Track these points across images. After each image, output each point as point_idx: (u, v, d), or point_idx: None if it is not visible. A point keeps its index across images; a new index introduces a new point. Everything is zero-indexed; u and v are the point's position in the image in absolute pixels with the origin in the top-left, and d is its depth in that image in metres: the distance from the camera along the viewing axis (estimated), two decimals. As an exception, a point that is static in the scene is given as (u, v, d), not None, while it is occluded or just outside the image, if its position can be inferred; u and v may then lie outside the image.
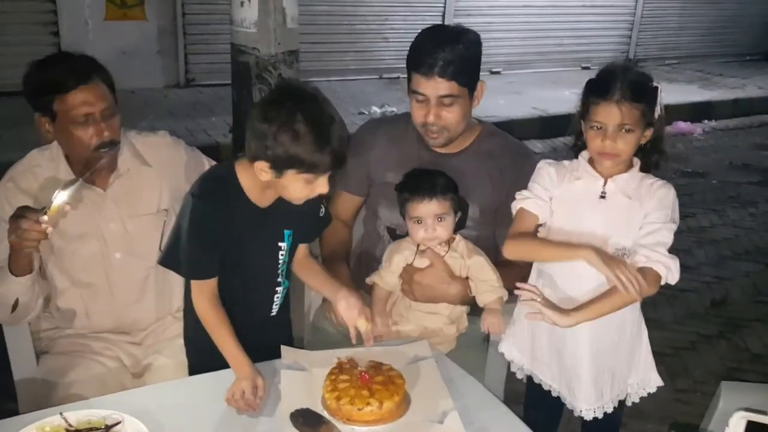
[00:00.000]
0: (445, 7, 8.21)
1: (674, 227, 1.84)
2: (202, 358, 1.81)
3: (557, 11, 8.91)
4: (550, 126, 6.86)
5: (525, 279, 2.16)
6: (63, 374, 1.90)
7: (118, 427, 1.46)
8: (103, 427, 1.45)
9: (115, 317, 2.02)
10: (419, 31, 2.07)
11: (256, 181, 1.69)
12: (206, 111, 6.14)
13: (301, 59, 6.80)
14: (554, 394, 2.00)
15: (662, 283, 1.82)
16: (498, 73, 8.53)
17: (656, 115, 1.80)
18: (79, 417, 1.48)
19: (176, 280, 2.07)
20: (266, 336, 1.86)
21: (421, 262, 1.99)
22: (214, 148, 5.29)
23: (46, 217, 1.64)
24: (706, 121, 7.78)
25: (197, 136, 5.56)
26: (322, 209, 1.94)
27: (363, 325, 1.85)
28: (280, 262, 1.86)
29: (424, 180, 1.97)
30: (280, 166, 1.61)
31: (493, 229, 2.14)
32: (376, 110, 6.56)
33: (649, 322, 3.59)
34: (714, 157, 6.65)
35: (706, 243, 4.69)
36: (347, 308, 1.86)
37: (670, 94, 8.25)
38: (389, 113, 6.33)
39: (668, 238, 1.81)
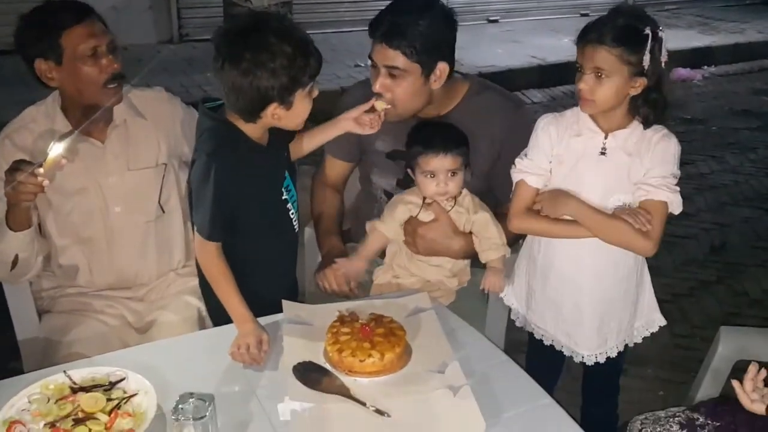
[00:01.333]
0: (440, -46, 8.04)
1: (675, 181, 1.81)
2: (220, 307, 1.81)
3: (554, -43, 8.74)
4: (549, 75, 6.78)
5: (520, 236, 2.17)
6: (65, 333, 1.92)
7: (122, 383, 1.47)
8: (107, 383, 1.47)
9: (116, 272, 2.03)
10: None
11: (254, 127, 1.74)
12: (201, 66, 6.05)
13: (294, 11, 6.70)
14: (547, 342, 2.01)
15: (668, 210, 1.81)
16: (495, 21, 8.38)
17: (645, 64, 1.71)
18: (83, 374, 1.49)
19: (176, 235, 2.07)
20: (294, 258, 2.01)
21: (426, 216, 1.98)
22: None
23: (41, 170, 1.64)
24: (705, 66, 7.68)
25: (192, 92, 5.50)
26: None
27: (381, 105, 1.93)
28: (284, 183, 1.90)
29: (437, 133, 1.93)
30: (287, 96, 1.66)
31: (488, 184, 2.12)
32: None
33: (649, 269, 3.62)
34: (714, 103, 6.58)
35: (706, 189, 4.68)
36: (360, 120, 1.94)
37: (670, 39, 8.12)
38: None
39: (666, 197, 1.79)
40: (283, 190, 1.89)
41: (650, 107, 1.78)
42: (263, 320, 1.71)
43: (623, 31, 1.71)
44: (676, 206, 1.80)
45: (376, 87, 1.95)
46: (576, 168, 1.84)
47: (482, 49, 7.02)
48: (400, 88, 1.93)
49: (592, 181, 1.82)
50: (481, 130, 2.05)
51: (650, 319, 2.04)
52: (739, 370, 1.91)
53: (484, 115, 2.08)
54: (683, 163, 5.09)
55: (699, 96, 6.83)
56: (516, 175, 1.90)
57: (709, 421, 1.64)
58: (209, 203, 1.69)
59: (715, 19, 9.25)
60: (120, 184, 1.98)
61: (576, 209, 1.81)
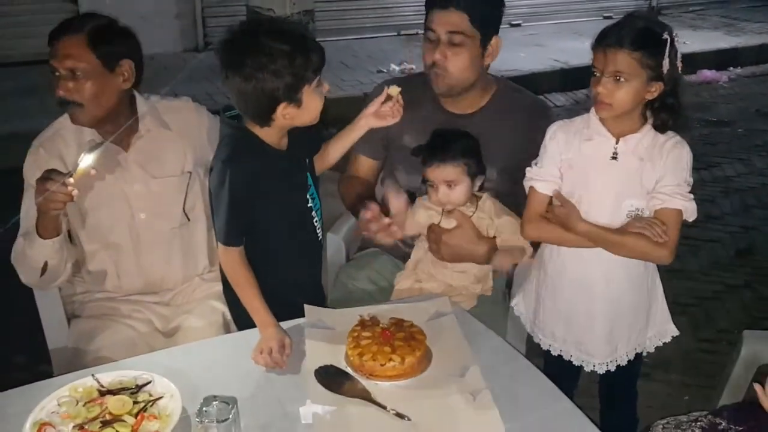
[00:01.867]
0: (462, -41, 8.06)
1: (688, 189, 1.81)
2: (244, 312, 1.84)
3: (578, -41, 8.71)
4: (572, 78, 6.75)
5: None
6: (93, 338, 1.95)
7: (148, 386, 1.50)
8: (134, 386, 1.50)
9: (143, 277, 2.07)
10: None
11: (271, 131, 1.77)
12: (225, 74, 6.13)
13: (320, 18, 6.76)
14: (554, 353, 2.00)
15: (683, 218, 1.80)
16: (518, 25, 8.38)
17: (664, 69, 1.71)
18: (110, 378, 1.53)
19: (201, 242, 2.11)
20: (318, 263, 2.05)
21: (448, 223, 1.99)
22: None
23: (72, 180, 1.69)
24: (731, 68, 7.60)
25: (217, 99, 5.55)
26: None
27: (395, 90, 1.96)
28: (307, 188, 1.91)
29: (438, 144, 1.95)
30: (294, 94, 1.68)
31: (512, 186, 2.12)
32: (394, 68, 6.50)
33: (674, 273, 3.61)
34: (740, 105, 6.51)
35: (732, 192, 4.63)
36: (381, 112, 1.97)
37: (695, 41, 8.10)
38: (408, 70, 6.27)
39: (681, 205, 1.78)
40: (308, 197, 1.91)
41: (667, 112, 1.78)
42: (285, 324, 1.73)
43: (643, 35, 1.72)
44: (690, 213, 1.80)
45: (437, 56, 1.99)
46: (587, 173, 1.84)
47: (505, 52, 6.90)
48: (460, 57, 1.99)
49: (603, 185, 1.82)
50: (509, 129, 2.08)
51: (663, 329, 2.03)
52: (762, 374, 1.90)
53: (512, 114, 2.12)
54: (709, 166, 5.09)
55: (725, 98, 6.76)
56: (527, 183, 1.91)
57: (732, 426, 1.63)
58: (226, 209, 1.72)
59: (741, 20, 9.16)
60: (145, 191, 2.02)
61: (587, 232, 1.81)
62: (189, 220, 2.09)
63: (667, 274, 3.60)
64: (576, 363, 1.99)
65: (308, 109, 1.74)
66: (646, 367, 2.88)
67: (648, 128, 1.81)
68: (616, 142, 1.81)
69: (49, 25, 1.93)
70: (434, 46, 2.00)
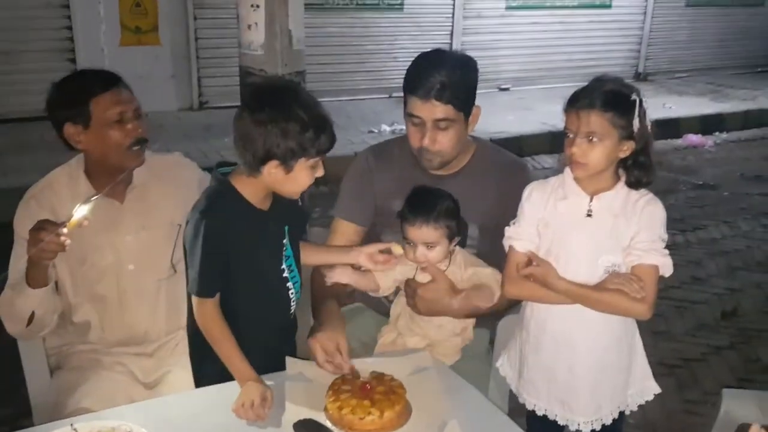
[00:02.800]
0: (453, 26, 8.30)
1: (663, 245, 1.84)
2: (210, 372, 1.84)
3: (565, 27, 8.97)
4: (559, 141, 6.82)
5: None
6: (75, 389, 1.94)
7: (126, 437, 1.50)
8: (112, 437, 1.50)
9: (127, 329, 2.08)
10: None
11: (255, 188, 1.78)
12: (219, 132, 6.23)
13: (312, 80, 6.89)
14: (539, 412, 2.00)
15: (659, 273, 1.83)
16: (507, 89, 8.58)
17: (635, 128, 1.77)
18: (89, 428, 1.52)
19: (186, 295, 2.12)
20: (288, 339, 1.98)
21: (423, 277, 2.02)
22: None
23: (65, 230, 1.72)
24: (717, 133, 7.77)
25: (211, 157, 5.64)
26: (299, 201, 1.97)
27: (398, 250, 1.97)
28: (284, 256, 1.89)
29: (420, 204, 1.97)
30: (289, 159, 1.69)
31: (493, 244, 2.14)
32: (386, 128, 6.63)
33: (660, 334, 3.62)
34: (725, 169, 6.64)
35: (717, 255, 4.69)
36: (375, 257, 1.97)
37: (681, 107, 8.29)
38: (398, 132, 6.40)
39: (657, 261, 1.82)
40: (284, 266, 1.89)
41: (640, 169, 1.83)
42: (266, 377, 1.73)
43: (613, 96, 1.78)
44: (667, 269, 1.83)
45: (426, 142, 2.03)
46: (563, 231, 1.87)
47: (494, 116, 7.17)
48: (449, 137, 2.04)
49: (580, 242, 1.85)
50: (489, 188, 2.12)
51: (644, 387, 2.02)
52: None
53: (491, 173, 2.16)
54: (694, 228, 5.15)
55: (710, 162, 6.89)
56: (506, 242, 1.95)
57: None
58: (198, 259, 1.72)
59: (727, 87, 9.39)
60: (135, 242, 2.06)
61: (566, 290, 1.83)
62: (176, 272, 2.11)
63: (653, 335, 3.66)
64: (561, 422, 1.98)
65: (295, 180, 1.74)
66: (631, 428, 2.87)
67: (621, 185, 1.85)
68: (591, 200, 1.85)
69: (46, 83, 2.01)
70: (420, 130, 2.04)
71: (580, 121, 1.77)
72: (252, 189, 1.78)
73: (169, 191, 2.11)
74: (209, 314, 1.75)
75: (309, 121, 1.68)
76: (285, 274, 1.90)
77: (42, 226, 1.74)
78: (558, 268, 1.84)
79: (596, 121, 1.76)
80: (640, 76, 9.66)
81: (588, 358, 1.91)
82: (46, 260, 1.81)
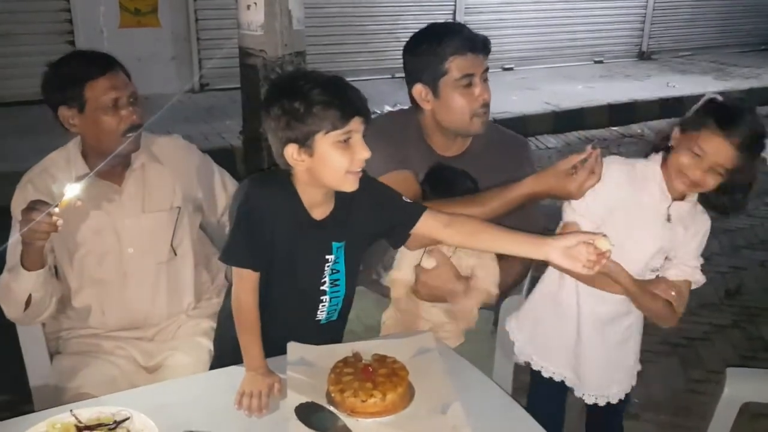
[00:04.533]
0: (455, 4, 8.22)
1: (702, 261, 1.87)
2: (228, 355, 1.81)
3: (568, 5, 8.87)
4: (563, 121, 6.85)
5: (527, 271, 2.18)
6: (75, 374, 1.94)
7: (126, 422, 1.49)
8: (112, 423, 1.49)
9: (128, 313, 2.07)
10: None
11: (312, 193, 1.70)
12: (220, 114, 6.20)
13: (314, 60, 6.85)
14: (557, 378, 2.00)
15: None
16: (510, 69, 8.52)
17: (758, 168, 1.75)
18: (89, 414, 1.51)
19: (187, 278, 2.12)
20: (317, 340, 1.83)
21: (429, 263, 2.01)
22: (228, 151, 5.34)
23: (57, 210, 1.70)
24: (721, 111, 7.71)
25: (212, 139, 5.62)
26: (406, 199, 1.84)
27: (606, 243, 1.58)
28: (326, 272, 1.80)
29: (441, 182, 1.97)
30: (307, 137, 1.60)
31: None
32: (388, 109, 6.58)
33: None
34: (729, 148, 6.59)
35: (720, 233, 4.63)
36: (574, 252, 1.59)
37: (684, 85, 8.22)
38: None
39: (700, 279, 1.85)
40: (326, 279, 1.80)
41: (731, 200, 1.82)
42: (268, 361, 1.72)
43: (758, 138, 1.73)
44: (699, 283, 1.89)
45: (486, 95, 2.04)
46: (638, 224, 1.82)
47: (497, 95, 7.05)
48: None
49: (653, 243, 1.82)
50: (494, 167, 2.09)
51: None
52: (746, 413, 1.90)
53: (495, 152, 2.14)
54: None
55: (714, 140, 6.83)
56: (570, 215, 1.89)
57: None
58: (234, 226, 1.70)
59: (730, 65, 9.32)
60: (135, 225, 2.04)
61: (626, 285, 1.80)
62: (176, 255, 2.10)
63: (656, 314, 3.63)
64: (568, 384, 1.99)
65: (324, 162, 1.62)
66: (636, 407, 2.88)
67: (691, 196, 1.82)
68: (670, 205, 1.81)
69: (45, 66, 1.98)
70: (474, 91, 2.01)
71: (723, 151, 1.69)
72: (308, 192, 1.71)
73: (169, 174, 2.09)
74: (241, 287, 1.70)
75: (319, 92, 1.59)
76: (324, 287, 1.82)
77: (34, 207, 1.72)
78: (616, 254, 1.69)
79: (732, 158, 1.69)
80: (643, 55, 9.59)
81: (604, 338, 1.90)
82: (40, 241, 1.79)
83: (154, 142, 2.11)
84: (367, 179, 1.73)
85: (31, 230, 1.72)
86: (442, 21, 2.20)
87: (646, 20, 9.54)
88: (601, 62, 9.15)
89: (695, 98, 6.75)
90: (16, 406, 2.19)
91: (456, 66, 2.00)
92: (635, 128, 7.08)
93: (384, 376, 1.62)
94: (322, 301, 1.83)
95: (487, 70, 2.04)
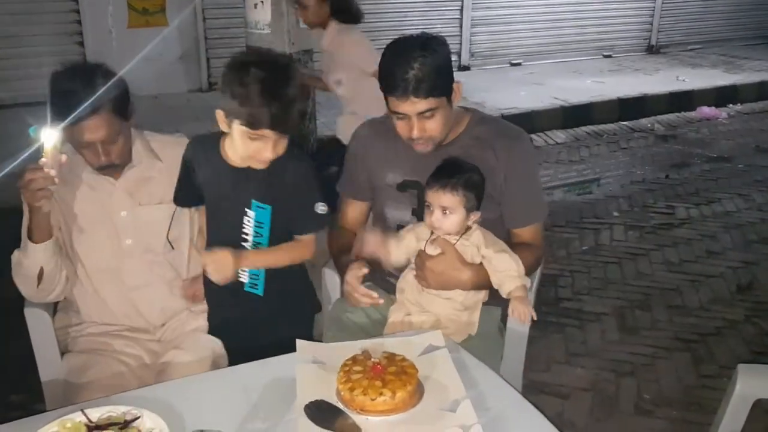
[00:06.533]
0: (463, 1, 8.19)
1: None
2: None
3: (577, 0, 8.83)
4: (572, 116, 6.82)
5: (536, 264, 2.17)
6: (84, 373, 1.96)
7: (137, 422, 1.49)
8: (122, 422, 1.49)
9: (127, 301, 2.09)
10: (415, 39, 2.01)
11: (234, 143, 1.89)
12: (228, 114, 6.21)
13: (320, 58, 6.86)
14: None
15: None
16: (518, 64, 8.49)
17: None
18: (99, 413, 1.52)
19: (184, 273, 2.16)
20: (256, 318, 2.10)
21: (432, 250, 2.01)
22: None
23: (44, 159, 1.76)
24: (731, 105, 7.67)
25: (220, 138, 5.62)
26: (320, 207, 2.02)
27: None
28: (247, 231, 2.01)
29: (445, 170, 1.97)
30: (229, 114, 1.82)
31: (496, 213, 2.12)
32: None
33: (675, 308, 3.60)
34: (739, 141, 6.55)
35: (732, 228, 4.63)
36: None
37: (694, 79, 8.18)
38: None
39: None
40: (244, 233, 2.02)
41: None
42: (276, 359, 1.73)
43: None
44: None
45: (415, 133, 2.00)
46: None
47: (505, 91, 7.10)
48: (435, 122, 2.00)
49: None
50: (484, 158, 2.08)
51: None
52: (758, 409, 1.89)
53: (487, 141, 2.12)
54: (709, 202, 5.08)
55: (724, 134, 6.80)
56: None
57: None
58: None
59: (740, 58, 9.26)
60: (131, 218, 2.07)
61: None
62: (173, 248, 2.13)
63: (668, 309, 3.63)
64: None
65: (233, 140, 1.88)
66: (647, 403, 2.87)
67: None
68: None
69: (54, 67, 1.96)
70: (406, 123, 2.01)
71: None
72: (230, 142, 1.93)
73: (167, 170, 2.11)
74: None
75: (248, 86, 1.76)
76: (246, 245, 2.03)
77: (25, 170, 1.79)
78: None
79: None
80: (652, 49, 9.54)
81: None
82: (41, 199, 1.81)
83: (154, 139, 2.14)
84: (299, 165, 2.00)
85: (30, 191, 1.79)
86: (410, 37, 2.05)
87: (655, 14, 9.48)
88: (610, 56, 9.11)
89: (705, 91, 6.72)
90: (28, 405, 2.21)
91: (389, 102, 2.00)
92: (645, 122, 7.05)
93: (393, 374, 1.62)
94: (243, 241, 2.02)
95: (428, 110, 1.96)
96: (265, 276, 2.08)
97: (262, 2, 3.54)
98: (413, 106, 1.96)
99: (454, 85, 2.03)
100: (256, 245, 2.03)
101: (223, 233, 2.03)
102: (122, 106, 1.94)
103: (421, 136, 2.01)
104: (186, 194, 2.08)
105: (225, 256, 1.93)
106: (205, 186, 2.02)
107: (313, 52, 3.70)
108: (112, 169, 2.00)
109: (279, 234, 2.04)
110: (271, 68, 1.82)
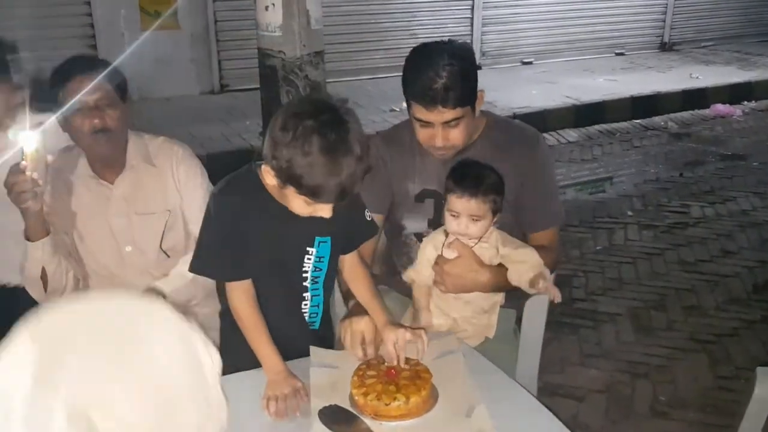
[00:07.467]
0: (473, 0, 8.16)
1: None
2: (236, 359, 1.82)
3: (588, -3, 8.78)
4: (584, 114, 6.78)
5: (554, 264, 2.16)
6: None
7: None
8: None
9: None
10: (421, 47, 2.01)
11: (286, 200, 1.66)
12: (240, 115, 6.22)
13: (331, 59, 6.84)
14: None
15: None
16: (530, 63, 8.45)
17: None
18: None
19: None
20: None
21: (450, 253, 1.99)
22: (248, 152, 5.35)
23: (24, 162, 1.78)
24: (745, 102, 7.60)
25: (232, 140, 5.63)
26: (368, 215, 1.90)
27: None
28: (306, 268, 1.81)
29: (471, 175, 1.94)
30: (283, 178, 1.58)
31: (512, 218, 2.10)
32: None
33: (690, 309, 3.57)
34: (754, 139, 6.48)
35: (748, 227, 4.58)
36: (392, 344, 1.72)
37: (708, 76, 8.11)
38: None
39: None
40: (307, 276, 1.81)
41: None
42: (291, 364, 1.72)
43: None
44: None
45: (438, 142, 1.98)
46: None
47: (517, 90, 7.07)
48: (458, 131, 1.99)
49: None
50: (503, 162, 2.05)
51: None
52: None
53: (504, 146, 2.11)
54: (724, 200, 5.03)
55: (739, 132, 6.74)
56: None
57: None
58: (203, 237, 1.74)
59: (754, 55, 9.17)
60: (127, 225, 2.08)
61: None
62: (168, 257, 2.14)
63: (683, 310, 3.59)
64: None
65: (287, 198, 1.63)
66: (663, 405, 2.84)
67: None
68: None
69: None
70: (429, 131, 1.98)
71: None
72: (276, 189, 1.67)
73: (162, 177, 2.11)
74: (235, 298, 1.73)
75: (313, 161, 1.51)
76: (306, 283, 1.83)
77: (10, 173, 1.81)
78: None
79: None
80: (665, 46, 9.47)
81: None
82: (27, 201, 1.84)
83: (152, 143, 2.14)
84: None
85: (15, 193, 1.81)
86: (438, 43, 2.02)
87: (667, 11, 9.41)
88: (622, 54, 9.05)
89: (719, 88, 6.65)
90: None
91: (414, 108, 1.98)
92: (658, 120, 7.00)
93: (407, 379, 1.61)
94: (304, 299, 1.85)
95: (454, 119, 1.94)
96: (322, 311, 1.91)
97: (273, 4, 3.53)
98: (440, 115, 1.94)
99: (479, 93, 2.01)
100: (314, 280, 1.83)
101: (278, 280, 1.79)
102: (119, 79, 1.99)
103: (444, 145, 2.00)
104: (236, 264, 1.71)
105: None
106: (259, 238, 1.72)
107: (324, 53, 3.70)
108: (106, 138, 1.97)
109: (335, 261, 1.85)
110: (337, 131, 1.54)
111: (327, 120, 1.54)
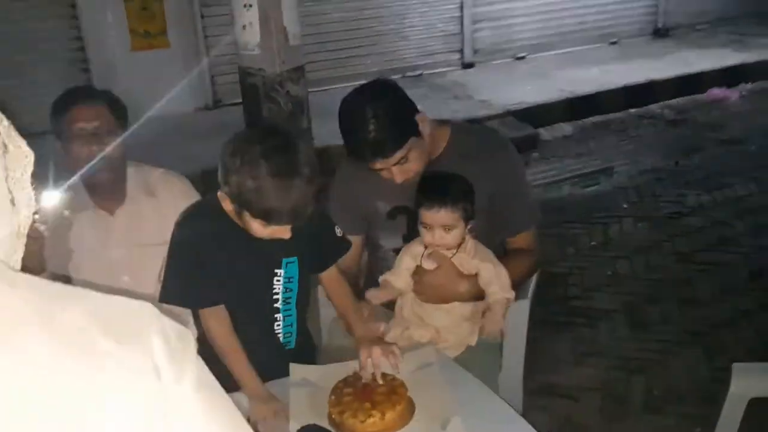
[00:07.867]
0: (462, -2, 8.15)
1: None
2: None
3: (578, -12, 8.74)
4: (579, 107, 6.75)
5: (532, 270, 2.17)
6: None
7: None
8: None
9: None
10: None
11: (246, 225, 1.69)
12: (234, 130, 6.19)
13: (323, 67, 6.84)
14: None
15: None
16: (522, 58, 8.42)
17: None
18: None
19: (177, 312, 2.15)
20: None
21: (429, 264, 2.01)
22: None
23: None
24: (742, 84, 7.54)
25: (227, 155, 5.66)
26: (338, 231, 1.93)
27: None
28: (277, 290, 1.84)
29: (437, 188, 1.96)
30: (237, 203, 1.63)
31: (488, 224, 2.11)
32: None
33: (686, 301, 3.55)
34: (751, 123, 6.42)
35: (744, 213, 4.54)
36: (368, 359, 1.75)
37: (703, 60, 8.05)
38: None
39: None
40: (275, 293, 1.83)
41: None
42: (271, 384, 1.74)
43: None
44: None
45: (398, 179, 2.01)
46: None
47: (511, 86, 7.05)
48: (413, 161, 2.01)
49: None
50: (472, 170, 2.06)
51: None
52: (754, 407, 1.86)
53: (472, 152, 2.12)
54: (720, 187, 5.01)
55: (736, 116, 6.69)
56: None
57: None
58: (169, 267, 1.76)
59: (749, 36, 9.09)
60: (126, 256, 2.11)
61: None
62: None
63: (678, 301, 3.58)
64: None
65: (247, 224, 1.66)
66: (659, 400, 2.84)
67: None
68: None
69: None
70: (386, 172, 2.01)
71: None
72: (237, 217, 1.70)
73: (161, 208, 2.13)
74: (210, 324, 1.75)
75: (261, 185, 1.56)
76: (277, 305, 1.86)
77: None
78: None
79: None
80: (659, 32, 9.41)
81: None
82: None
83: (152, 174, 2.15)
84: None
85: None
86: (356, 95, 2.03)
87: (660, -5, 9.35)
88: (615, 43, 9.01)
89: (714, 72, 6.54)
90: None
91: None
92: (654, 108, 6.97)
93: (383, 395, 1.63)
94: (276, 320, 1.86)
95: (402, 158, 1.97)
96: (297, 330, 1.93)
97: (251, 23, 3.56)
98: (386, 162, 1.97)
99: (418, 118, 2.01)
100: (286, 300, 1.86)
101: (248, 303, 1.82)
102: (117, 106, 2.03)
103: (405, 177, 2.03)
104: (206, 290, 1.76)
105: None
106: (225, 264, 1.76)
107: (304, 68, 3.71)
108: (105, 165, 1.99)
109: (305, 280, 1.89)
110: (284, 153, 1.59)
111: (274, 145, 1.59)
